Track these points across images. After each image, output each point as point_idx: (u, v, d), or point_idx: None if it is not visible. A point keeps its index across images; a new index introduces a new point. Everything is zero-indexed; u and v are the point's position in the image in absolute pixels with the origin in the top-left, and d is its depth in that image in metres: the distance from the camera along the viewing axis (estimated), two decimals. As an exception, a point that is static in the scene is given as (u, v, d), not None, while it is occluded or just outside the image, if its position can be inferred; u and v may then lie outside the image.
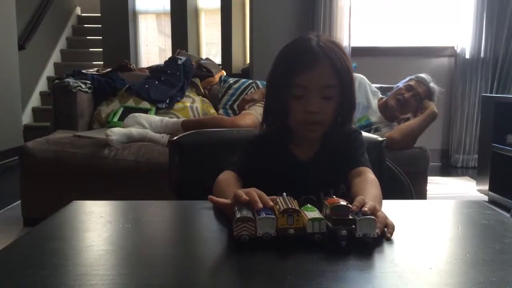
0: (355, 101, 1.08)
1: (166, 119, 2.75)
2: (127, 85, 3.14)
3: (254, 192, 0.80)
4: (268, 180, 0.96)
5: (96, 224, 0.86)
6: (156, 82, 3.15)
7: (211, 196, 0.87)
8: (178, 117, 2.97)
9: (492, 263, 0.68)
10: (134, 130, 2.64)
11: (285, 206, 0.75)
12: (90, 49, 6.65)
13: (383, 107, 2.69)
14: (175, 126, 2.69)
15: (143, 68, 3.79)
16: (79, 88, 2.95)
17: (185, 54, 3.62)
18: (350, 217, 0.74)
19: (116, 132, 2.56)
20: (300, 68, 1.00)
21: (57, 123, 2.94)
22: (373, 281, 0.63)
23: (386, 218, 0.79)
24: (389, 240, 0.76)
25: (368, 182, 0.98)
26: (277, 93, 1.05)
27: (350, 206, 0.76)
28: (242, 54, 5.60)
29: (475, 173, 3.71)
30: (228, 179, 1.02)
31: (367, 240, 0.73)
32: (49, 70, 6.25)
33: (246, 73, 4.77)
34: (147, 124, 2.69)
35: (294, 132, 1.08)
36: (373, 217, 0.74)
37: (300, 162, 1.08)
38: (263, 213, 0.74)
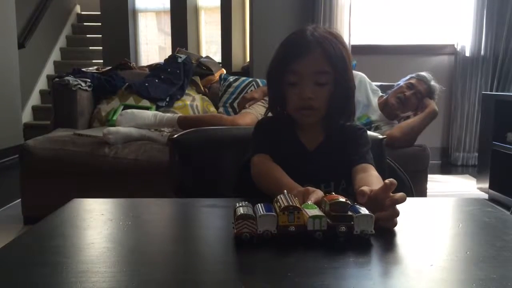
0: (353, 89, 1.11)
1: (159, 114, 2.66)
2: (127, 84, 3.13)
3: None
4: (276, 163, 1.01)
5: (97, 222, 0.86)
6: (156, 81, 3.15)
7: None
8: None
9: (492, 260, 0.68)
10: (133, 130, 2.61)
11: (285, 204, 0.75)
12: (90, 48, 6.64)
13: (384, 105, 2.69)
14: (170, 122, 2.62)
15: (143, 67, 3.79)
16: (79, 86, 2.94)
17: (185, 52, 3.62)
18: (349, 213, 0.74)
19: (114, 132, 2.55)
20: (293, 56, 1.05)
21: (57, 122, 2.94)
22: (374, 278, 0.63)
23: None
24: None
25: (374, 178, 0.99)
26: (275, 82, 1.10)
27: (349, 202, 0.76)
28: (242, 52, 5.59)
29: (475, 171, 3.71)
30: (273, 164, 1.03)
31: (364, 237, 0.73)
32: (49, 69, 6.24)
33: (246, 71, 4.76)
34: (140, 120, 2.62)
35: (296, 121, 1.11)
36: (370, 213, 0.74)
37: (307, 150, 1.11)
38: (264, 210, 0.74)
